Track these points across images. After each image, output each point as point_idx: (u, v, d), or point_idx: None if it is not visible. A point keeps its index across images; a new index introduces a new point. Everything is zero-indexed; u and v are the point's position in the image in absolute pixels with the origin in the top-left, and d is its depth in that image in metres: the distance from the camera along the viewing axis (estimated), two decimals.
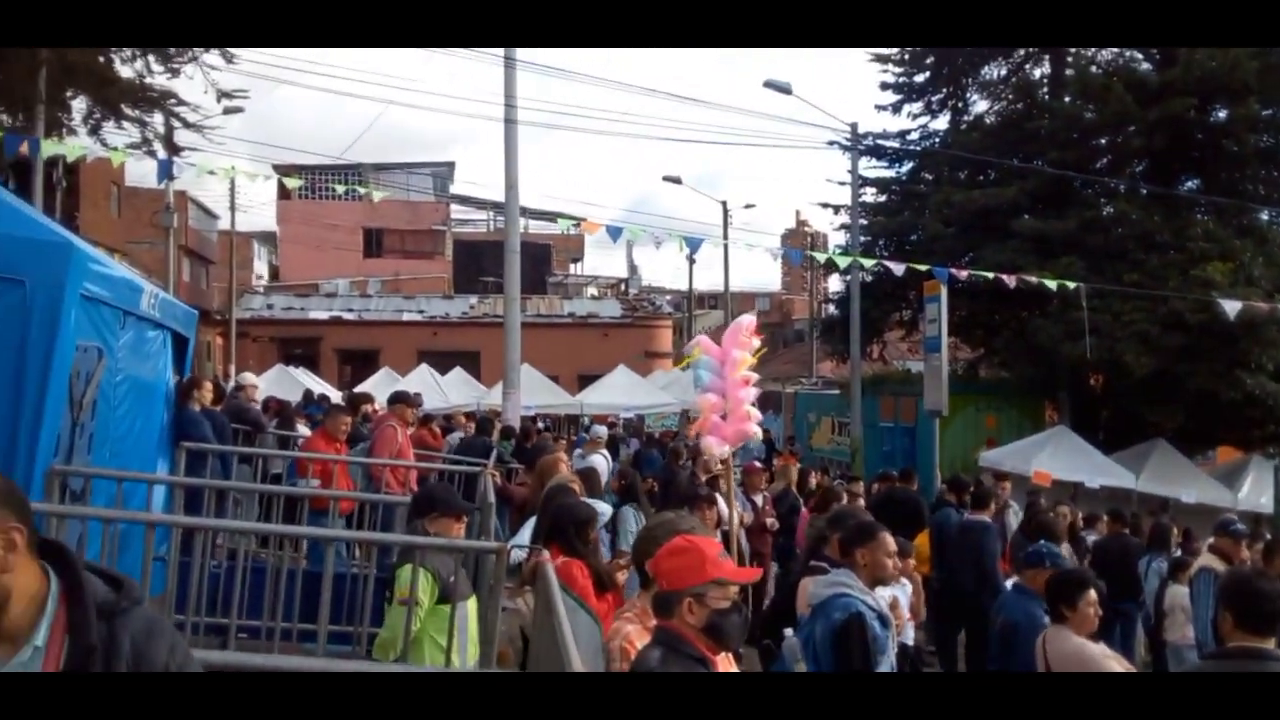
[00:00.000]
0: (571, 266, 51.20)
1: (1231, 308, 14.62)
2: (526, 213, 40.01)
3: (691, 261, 36.31)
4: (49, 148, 14.25)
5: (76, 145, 14.87)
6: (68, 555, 2.01)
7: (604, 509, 8.00)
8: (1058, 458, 17.69)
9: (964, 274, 14.89)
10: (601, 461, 11.83)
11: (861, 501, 9.22)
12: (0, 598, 1.90)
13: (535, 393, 21.28)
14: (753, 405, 7.06)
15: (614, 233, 14.23)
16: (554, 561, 4.82)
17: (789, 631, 4.54)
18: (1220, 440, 22.10)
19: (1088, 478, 17.41)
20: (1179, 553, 10.13)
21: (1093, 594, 5.04)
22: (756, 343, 7.14)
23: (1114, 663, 4.96)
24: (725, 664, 3.91)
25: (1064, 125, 20.97)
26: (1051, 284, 14.57)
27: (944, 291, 16.39)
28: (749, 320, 7.33)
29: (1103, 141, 21.70)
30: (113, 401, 6.73)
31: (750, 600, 8.79)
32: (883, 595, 6.85)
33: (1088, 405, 21.84)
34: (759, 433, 7.73)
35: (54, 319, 5.41)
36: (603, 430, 13.87)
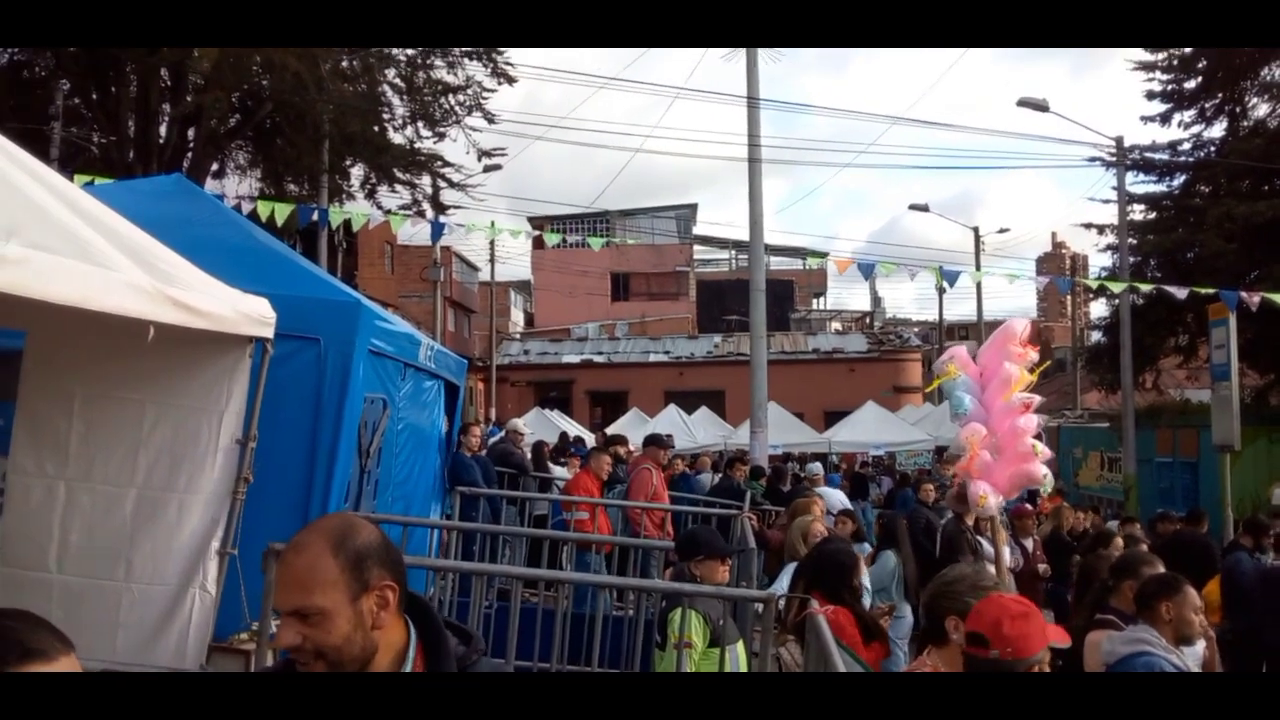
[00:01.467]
0: (814, 301, 50.79)
1: None
2: (769, 249, 40.17)
3: (941, 292, 35.17)
4: (336, 216, 15.56)
5: (360, 212, 16.17)
6: (429, 610, 2.09)
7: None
8: None
9: (1255, 298, 13.59)
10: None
11: (1145, 546, 8.52)
12: (369, 653, 1.98)
13: (782, 431, 21.14)
14: (1037, 438, 5.70)
15: (866, 269, 13.98)
16: (823, 610, 4.74)
17: None
18: None
19: None
20: None
21: None
22: (1033, 355, 5.72)
23: None
24: None
25: None
26: None
27: (1233, 315, 15.05)
28: (1022, 325, 5.86)
29: None
30: (394, 449, 7.18)
31: None
32: (1192, 655, 6.30)
33: None
34: (1047, 476, 5.89)
35: (345, 373, 5.82)
36: (818, 467, 13.57)
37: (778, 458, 19.23)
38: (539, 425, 22.54)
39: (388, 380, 6.83)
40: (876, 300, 51.53)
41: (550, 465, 13.72)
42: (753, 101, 16.04)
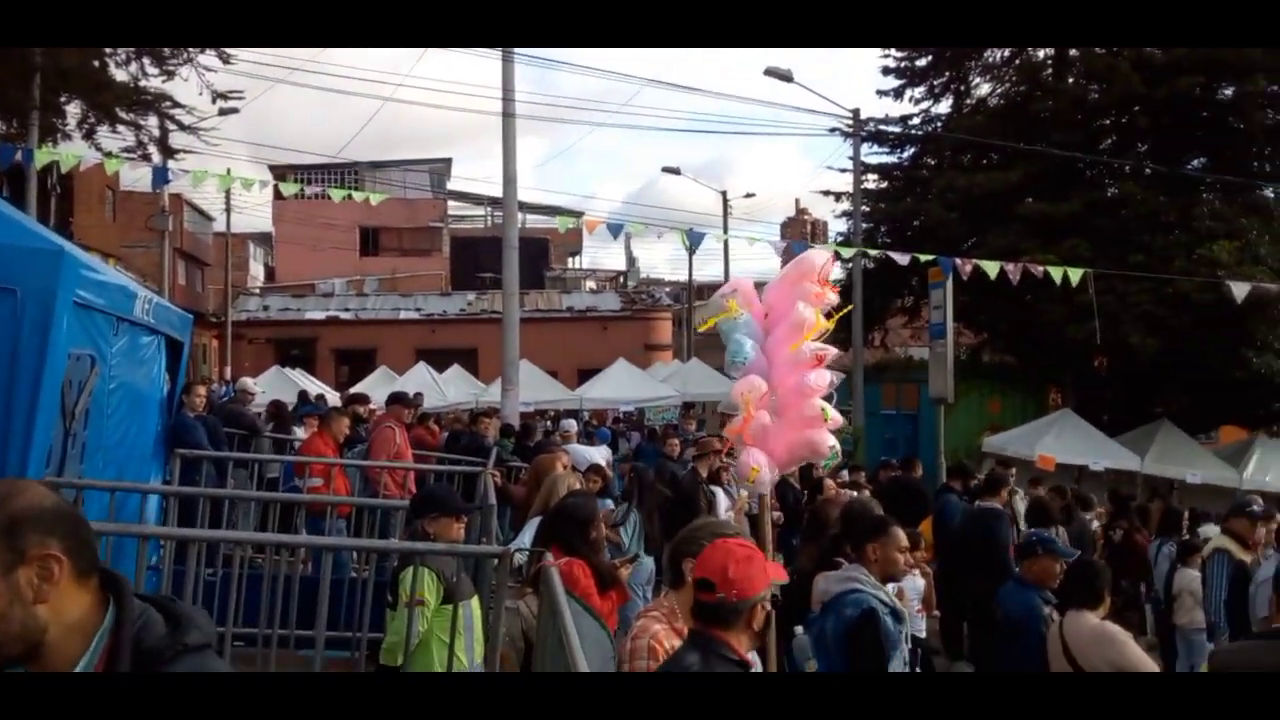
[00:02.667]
0: (569, 260, 51.06)
1: (1240, 289, 14.45)
2: (524, 207, 39.91)
3: (691, 252, 36.12)
4: (43, 156, 14.10)
5: (71, 153, 14.73)
6: (121, 587, 1.85)
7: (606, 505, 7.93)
8: (1062, 441, 17.59)
9: (968, 266, 14.73)
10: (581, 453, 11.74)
11: (867, 491, 9.07)
12: (35, 632, 1.75)
13: (534, 388, 21.15)
14: (827, 400, 4.74)
15: (615, 229, 14.10)
16: (556, 562, 4.79)
17: (798, 629, 4.46)
18: (1225, 420, 21.99)
19: (1092, 460, 17.30)
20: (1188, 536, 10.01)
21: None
22: (832, 297, 4.75)
23: (1135, 644, 4.86)
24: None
25: (1069, 106, 20.78)
26: (1056, 273, 14.41)
27: (949, 278, 16.25)
28: (821, 258, 4.87)
29: (1107, 122, 21.54)
30: (106, 410, 6.60)
31: None
32: (913, 588, 6.77)
33: (1092, 388, 21.72)
34: (834, 447, 4.98)
35: (45, 327, 5.29)
36: (572, 424, 13.74)
37: (530, 415, 19.24)
38: (279, 384, 21.56)
39: (97, 336, 6.24)
40: (631, 260, 52.40)
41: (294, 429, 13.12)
42: (507, 55, 15.74)
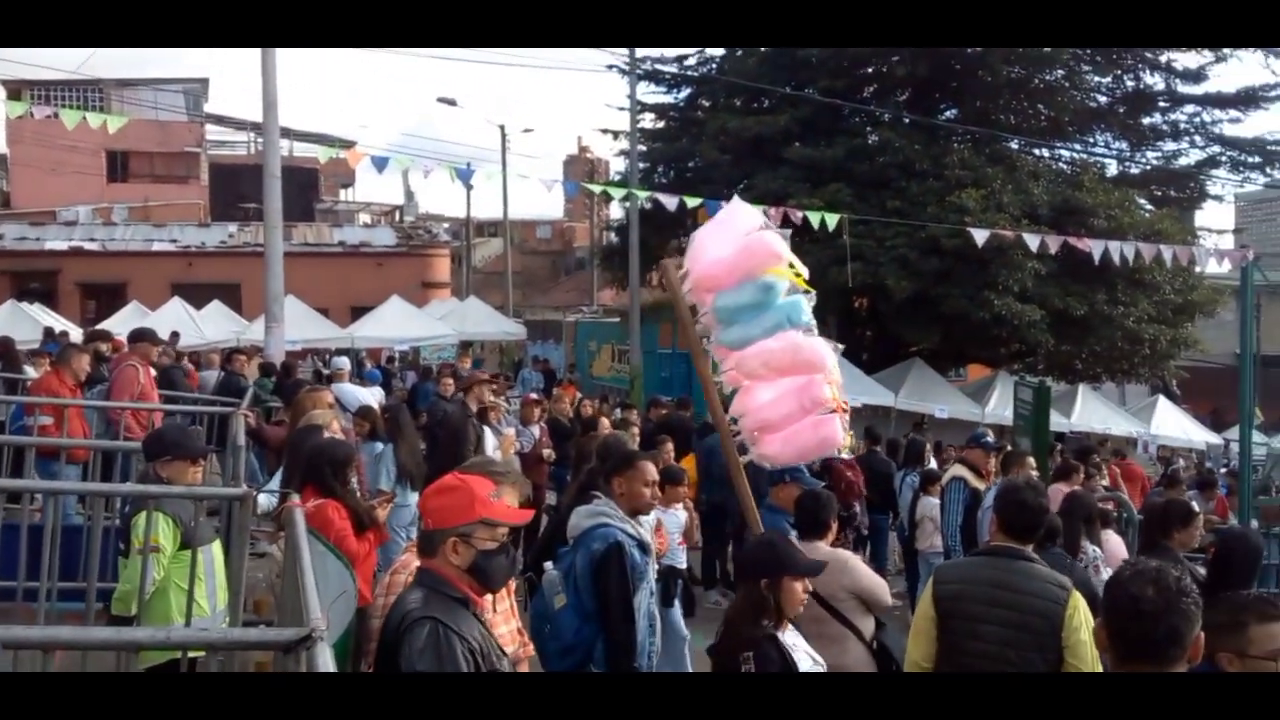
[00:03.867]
0: (342, 193, 49.01)
1: (980, 235, 15.40)
2: (290, 134, 37.88)
3: (469, 188, 35.43)
4: None
5: None
6: None
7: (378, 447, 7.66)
8: None
9: None
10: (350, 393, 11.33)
11: (636, 429, 9.16)
12: None
13: (302, 326, 20.27)
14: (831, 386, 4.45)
15: (379, 163, 13.47)
16: (309, 504, 4.72)
17: (549, 565, 4.44)
18: (971, 358, 23.64)
19: (851, 397, 18.10)
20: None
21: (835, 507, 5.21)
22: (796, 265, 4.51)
23: (865, 566, 5.11)
24: (491, 603, 3.78)
25: (834, 53, 21.45)
26: (814, 218, 14.92)
27: None
28: (753, 219, 4.61)
29: (869, 70, 22.39)
30: None
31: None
32: (674, 521, 6.88)
33: (853, 328, 22.83)
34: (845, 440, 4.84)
35: None
36: (344, 362, 13.26)
37: (296, 354, 18.42)
38: (15, 321, 19.79)
39: None
40: (409, 195, 50.84)
41: (25, 366, 12.01)
42: None
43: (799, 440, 4.55)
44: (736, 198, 5.15)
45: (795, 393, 4.46)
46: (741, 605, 3.81)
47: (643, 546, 4.43)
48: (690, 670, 6.56)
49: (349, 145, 20.08)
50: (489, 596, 3.48)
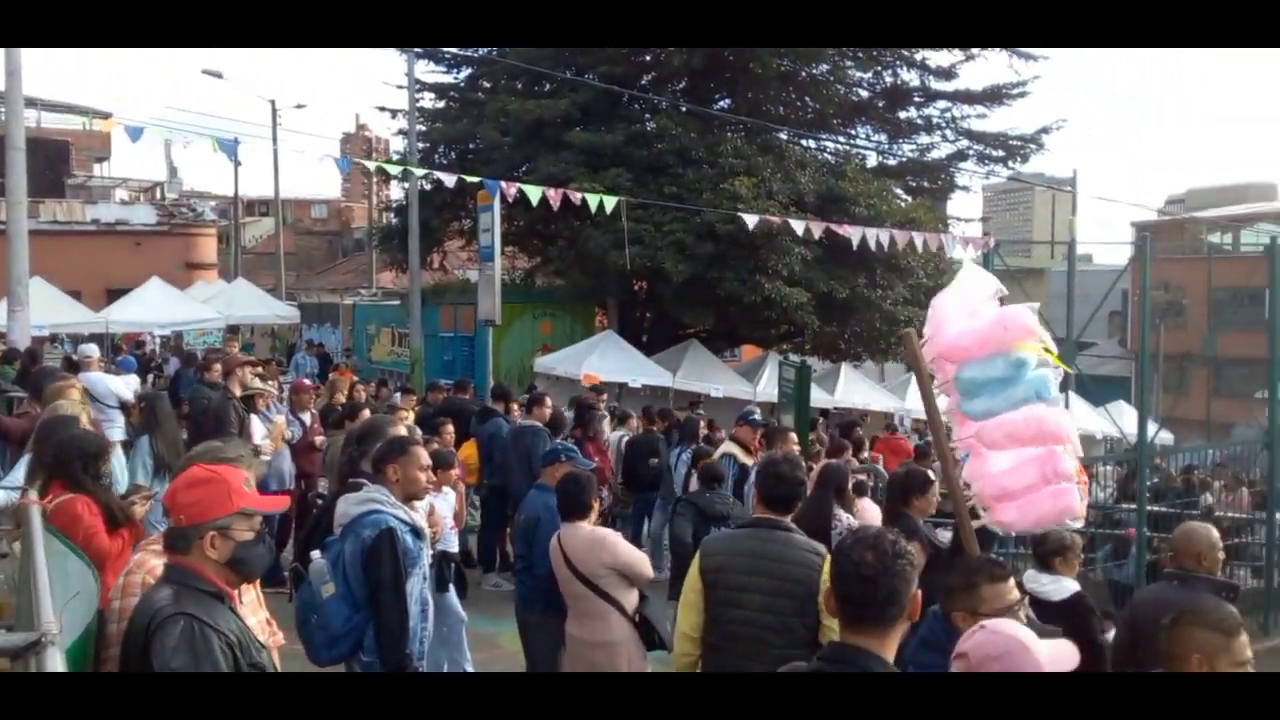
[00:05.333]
0: (96, 167, 45.60)
1: (751, 220, 16.04)
2: (38, 104, 34.94)
3: (236, 164, 33.71)
4: None
5: None
6: None
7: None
8: (605, 360, 18.71)
9: (512, 189, 14.99)
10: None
11: (410, 415, 9.03)
12: None
13: (49, 310, 18.77)
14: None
15: (134, 133, 12.61)
16: (56, 499, 4.49)
17: (316, 554, 4.34)
18: (744, 339, 24.55)
19: (631, 378, 18.60)
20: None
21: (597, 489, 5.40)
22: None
23: (625, 542, 5.27)
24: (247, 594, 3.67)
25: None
26: (593, 199, 15.10)
27: (496, 202, 16.48)
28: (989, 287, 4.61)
29: (647, 59, 22.76)
30: None
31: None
32: (446, 503, 6.83)
33: (633, 310, 23.26)
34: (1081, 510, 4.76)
35: None
36: (92, 349, 12.44)
37: (42, 339, 17.08)
38: None
39: None
40: (173, 171, 47.83)
41: None
42: None
43: (1036, 509, 4.50)
44: (969, 262, 4.85)
45: (1037, 463, 4.42)
46: None
47: (416, 532, 4.41)
48: (467, 651, 6.57)
49: (104, 116, 18.70)
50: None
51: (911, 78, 24.35)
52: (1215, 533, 5.02)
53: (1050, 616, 5.10)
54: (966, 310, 4.51)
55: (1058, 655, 2.65)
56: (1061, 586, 5.20)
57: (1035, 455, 4.40)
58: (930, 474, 5.68)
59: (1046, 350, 4.44)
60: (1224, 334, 31.08)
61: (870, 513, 7.47)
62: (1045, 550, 5.34)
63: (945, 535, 5.78)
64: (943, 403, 4.59)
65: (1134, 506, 12.40)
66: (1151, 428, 18.34)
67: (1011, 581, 3.59)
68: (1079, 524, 4.77)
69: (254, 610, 3.92)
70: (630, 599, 4.92)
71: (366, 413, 8.07)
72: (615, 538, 5.21)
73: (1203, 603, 4.00)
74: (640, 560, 5.05)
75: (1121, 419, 17.30)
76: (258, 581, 4.01)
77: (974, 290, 4.57)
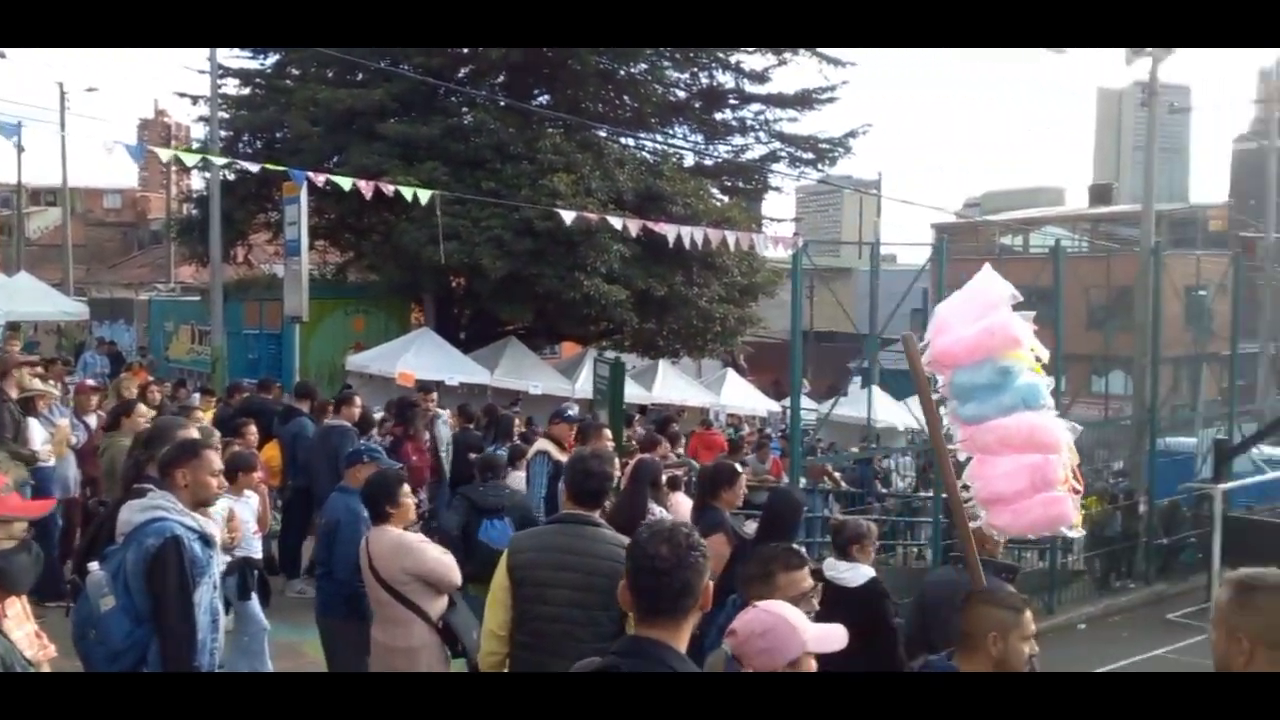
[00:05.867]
0: None
1: (568, 216, 16.02)
2: None
3: (19, 150, 31.40)
4: None
5: None
6: None
7: None
8: (421, 358, 18.37)
9: (321, 178, 14.45)
10: None
11: (206, 416, 8.60)
12: None
13: None
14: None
15: None
16: None
17: (94, 565, 4.05)
18: (564, 336, 24.56)
19: (448, 376, 18.32)
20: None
21: (407, 488, 5.24)
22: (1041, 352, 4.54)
23: (433, 548, 5.16)
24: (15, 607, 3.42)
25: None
26: (407, 192, 14.74)
27: (304, 193, 15.87)
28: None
29: (465, 51, 22.43)
30: None
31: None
32: (246, 506, 6.50)
33: (450, 307, 22.90)
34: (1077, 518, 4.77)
35: None
36: None
37: None
38: None
39: None
40: None
41: None
42: None
43: (1029, 515, 4.49)
44: (988, 266, 4.76)
45: (1028, 470, 4.42)
46: None
47: (205, 539, 4.17)
48: (268, 661, 6.30)
49: None
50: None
51: (727, 80, 24.91)
52: None
53: (848, 602, 5.29)
54: (971, 316, 4.65)
55: (825, 635, 2.74)
56: (858, 573, 5.38)
57: (1027, 463, 4.54)
58: (737, 467, 5.80)
59: (1036, 360, 4.54)
60: None
61: (684, 507, 7.55)
62: (843, 539, 5.52)
63: (751, 527, 5.91)
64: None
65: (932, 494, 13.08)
66: None
67: (806, 570, 3.69)
68: (1075, 533, 4.97)
69: (20, 623, 3.64)
70: (436, 606, 4.81)
71: (143, 410, 7.62)
72: (422, 543, 5.07)
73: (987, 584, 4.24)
74: (447, 567, 4.94)
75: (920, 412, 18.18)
76: (25, 594, 3.72)
77: (984, 295, 4.71)
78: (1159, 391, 17.52)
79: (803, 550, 4.00)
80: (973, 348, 4.53)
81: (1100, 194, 52.04)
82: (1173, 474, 17.57)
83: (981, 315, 4.64)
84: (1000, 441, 4.50)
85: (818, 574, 5.61)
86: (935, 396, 4.58)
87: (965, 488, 4.75)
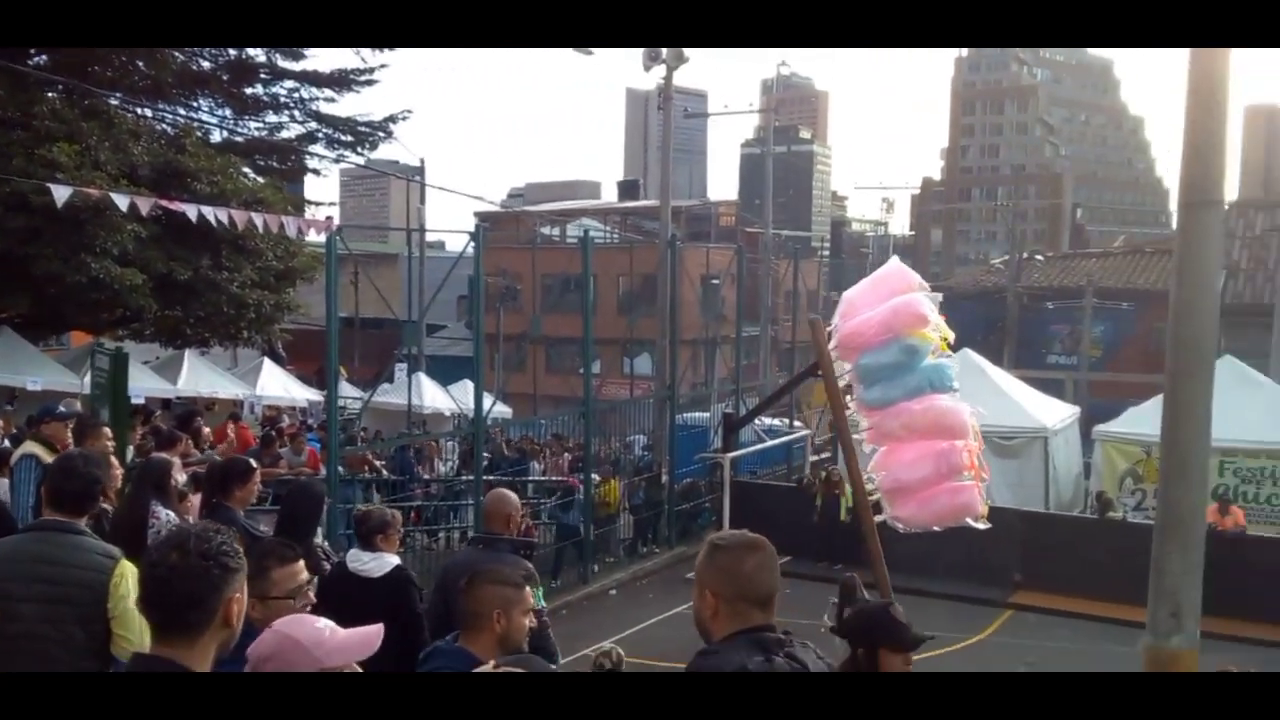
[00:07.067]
0: None
1: (61, 193, 14.07)
2: None
3: None
4: None
5: None
6: None
7: None
8: None
9: None
10: None
11: None
12: None
13: None
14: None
15: None
16: None
17: None
18: (72, 325, 22.04)
19: None
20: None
21: None
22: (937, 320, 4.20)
23: None
24: None
25: None
26: None
27: None
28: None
29: None
30: None
31: None
32: None
33: None
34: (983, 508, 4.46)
35: None
36: None
37: None
38: None
39: None
40: None
41: None
42: None
43: (935, 505, 4.31)
44: (896, 258, 4.67)
45: (934, 458, 4.22)
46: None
47: None
48: None
49: None
50: None
51: (257, 53, 23.66)
52: (517, 497, 5.52)
53: (373, 591, 5.24)
54: (877, 298, 4.57)
55: (347, 645, 2.64)
56: (383, 562, 5.35)
57: (932, 450, 4.48)
58: (251, 463, 5.52)
59: (943, 340, 4.58)
60: (552, 316, 34.88)
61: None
62: (366, 529, 5.46)
63: (270, 523, 5.66)
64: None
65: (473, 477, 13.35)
66: (490, 403, 19.94)
67: (301, 564, 3.58)
68: (982, 525, 4.88)
69: None
70: None
71: None
72: None
73: (500, 562, 4.38)
74: None
75: (467, 396, 18.54)
76: None
77: (888, 282, 4.64)
78: (678, 371, 19.25)
79: (296, 544, 3.87)
80: (879, 327, 4.62)
81: (628, 189, 56.25)
82: (691, 446, 19.44)
83: (888, 299, 4.82)
84: (905, 427, 4.72)
85: (340, 566, 5.51)
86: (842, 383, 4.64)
87: (870, 479, 4.85)
